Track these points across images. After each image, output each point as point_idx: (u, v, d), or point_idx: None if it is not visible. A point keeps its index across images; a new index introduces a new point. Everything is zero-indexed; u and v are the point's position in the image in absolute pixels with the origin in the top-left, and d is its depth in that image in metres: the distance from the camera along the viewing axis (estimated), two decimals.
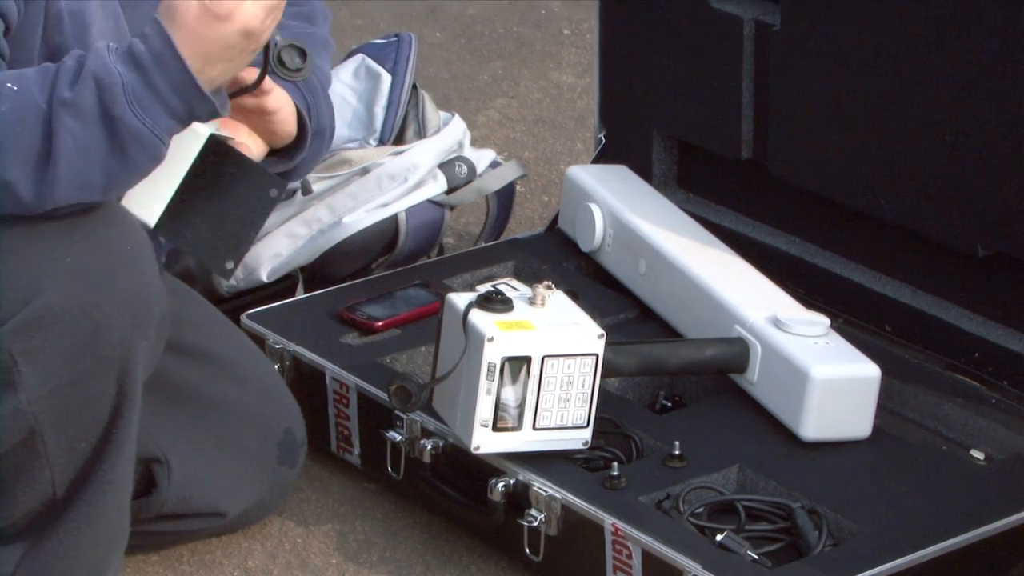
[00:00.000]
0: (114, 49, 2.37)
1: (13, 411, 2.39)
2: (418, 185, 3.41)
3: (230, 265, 2.63)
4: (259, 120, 2.65)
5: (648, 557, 2.63)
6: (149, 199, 2.54)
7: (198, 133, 2.53)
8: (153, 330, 2.46)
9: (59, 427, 2.42)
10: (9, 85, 2.35)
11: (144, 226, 2.51)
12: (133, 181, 2.43)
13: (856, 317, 3.13)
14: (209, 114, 2.43)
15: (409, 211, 3.38)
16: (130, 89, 2.35)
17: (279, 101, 2.64)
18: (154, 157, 2.39)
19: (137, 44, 2.38)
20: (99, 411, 2.44)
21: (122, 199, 2.51)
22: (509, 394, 2.72)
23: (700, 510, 2.74)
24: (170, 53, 2.38)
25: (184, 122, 2.41)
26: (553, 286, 2.79)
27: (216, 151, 2.57)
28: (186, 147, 2.53)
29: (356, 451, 3.01)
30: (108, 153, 2.36)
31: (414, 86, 3.53)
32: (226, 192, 2.61)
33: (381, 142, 3.47)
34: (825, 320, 2.96)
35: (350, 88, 3.53)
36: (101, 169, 2.36)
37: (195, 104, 2.40)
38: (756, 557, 2.67)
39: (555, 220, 3.44)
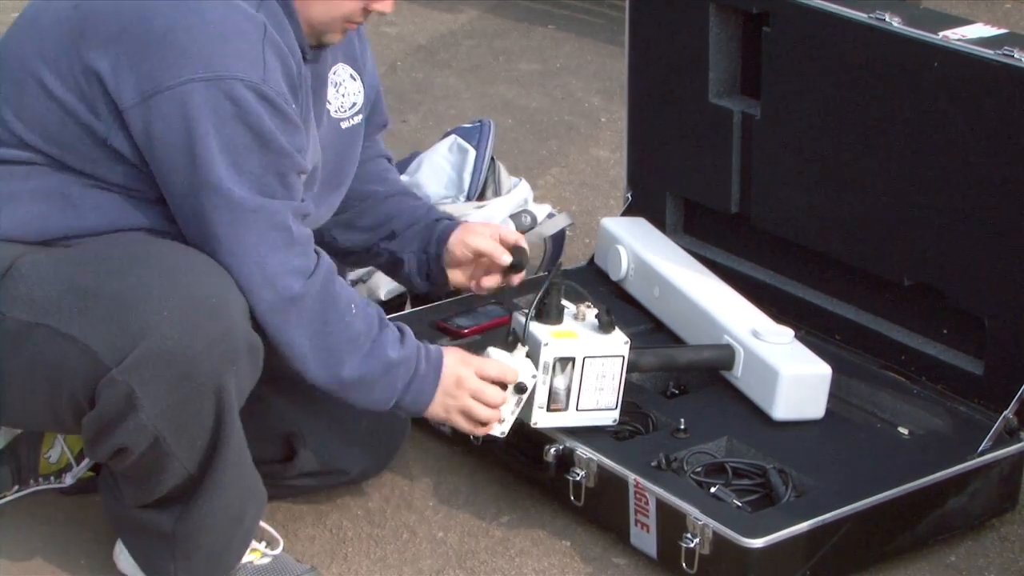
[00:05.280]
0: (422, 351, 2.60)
1: (138, 426, 2.34)
2: None
3: None
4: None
5: (661, 504, 2.61)
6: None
7: None
8: (244, 358, 2.38)
9: (177, 433, 2.37)
10: (353, 309, 2.50)
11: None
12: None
13: (814, 329, 3.10)
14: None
15: None
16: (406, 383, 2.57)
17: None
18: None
19: (424, 366, 2.58)
20: (205, 419, 2.38)
21: None
22: (559, 384, 2.69)
23: (699, 469, 2.72)
24: (431, 389, 2.60)
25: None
26: (591, 305, 2.76)
27: None
28: None
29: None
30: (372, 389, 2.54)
31: (492, 158, 3.52)
32: None
33: (468, 199, 3.46)
34: (790, 331, 2.94)
35: (446, 159, 3.52)
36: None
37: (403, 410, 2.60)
38: (740, 504, 2.65)
39: (593, 257, 3.42)
